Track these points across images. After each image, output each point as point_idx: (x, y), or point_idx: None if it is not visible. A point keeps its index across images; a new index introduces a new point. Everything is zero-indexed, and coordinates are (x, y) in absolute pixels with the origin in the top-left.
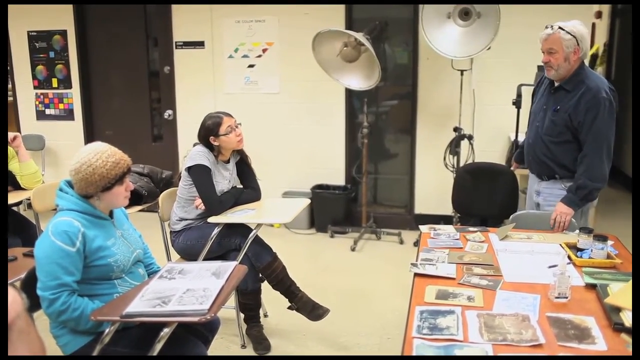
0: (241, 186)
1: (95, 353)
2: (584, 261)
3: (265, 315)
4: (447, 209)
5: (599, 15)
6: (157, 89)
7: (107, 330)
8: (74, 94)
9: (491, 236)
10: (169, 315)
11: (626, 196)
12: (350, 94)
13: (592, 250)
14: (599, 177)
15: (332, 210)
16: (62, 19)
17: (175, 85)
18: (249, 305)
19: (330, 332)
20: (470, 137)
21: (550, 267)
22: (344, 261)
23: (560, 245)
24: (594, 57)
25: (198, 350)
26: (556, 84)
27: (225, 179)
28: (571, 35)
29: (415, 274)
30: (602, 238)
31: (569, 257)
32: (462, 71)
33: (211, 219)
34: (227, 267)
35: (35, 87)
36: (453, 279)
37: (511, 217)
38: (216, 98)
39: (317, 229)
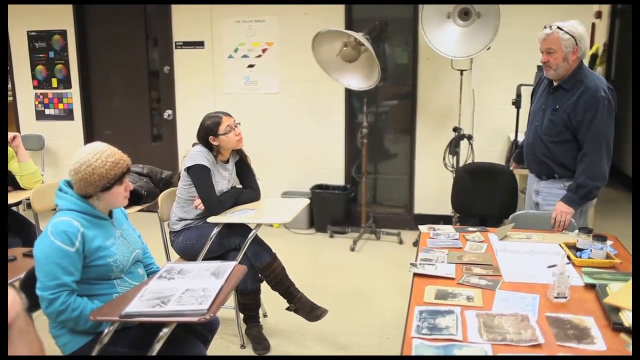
0: (240, 186)
1: (94, 353)
2: (583, 261)
3: (265, 315)
4: (447, 209)
5: (598, 15)
6: (157, 89)
7: (106, 330)
8: (74, 94)
9: (490, 236)
10: (168, 315)
11: (626, 196)
12: (350, 94)
13: (591, 250)
14: (598, 175)
15: (331, 210)
16: (62, 19)
17: (175, 85)
18: (249, 305)
19: (330, 332)
20: (469, 137)
21: (549, 267)
22: (344, 261)
23: (560, 245)
24: (593, 57)
25: (197, 350)
26: (555, 84)
27: (224, 179)
28: (570, 35)
29: (415, 274)
30: (601, 238)
31: (568, 257)
32: (461, 71)
33: (210, 219)
34: (227, 267)
35: (34, 87)
36: (452, 279)
37: (510, 217)
38: (216, 98)
39: (317, 229)
